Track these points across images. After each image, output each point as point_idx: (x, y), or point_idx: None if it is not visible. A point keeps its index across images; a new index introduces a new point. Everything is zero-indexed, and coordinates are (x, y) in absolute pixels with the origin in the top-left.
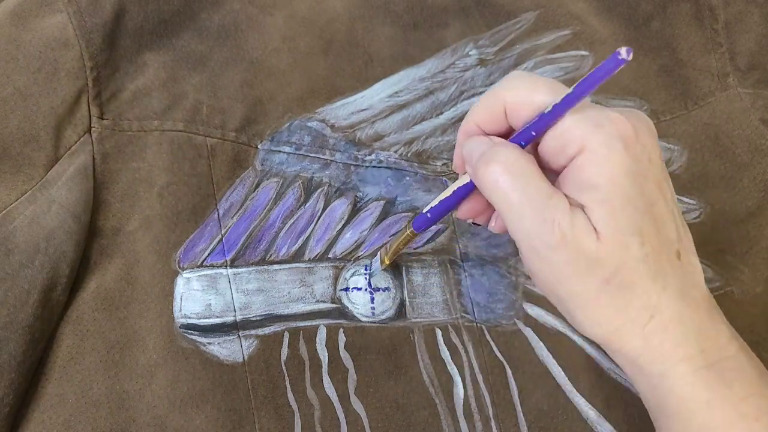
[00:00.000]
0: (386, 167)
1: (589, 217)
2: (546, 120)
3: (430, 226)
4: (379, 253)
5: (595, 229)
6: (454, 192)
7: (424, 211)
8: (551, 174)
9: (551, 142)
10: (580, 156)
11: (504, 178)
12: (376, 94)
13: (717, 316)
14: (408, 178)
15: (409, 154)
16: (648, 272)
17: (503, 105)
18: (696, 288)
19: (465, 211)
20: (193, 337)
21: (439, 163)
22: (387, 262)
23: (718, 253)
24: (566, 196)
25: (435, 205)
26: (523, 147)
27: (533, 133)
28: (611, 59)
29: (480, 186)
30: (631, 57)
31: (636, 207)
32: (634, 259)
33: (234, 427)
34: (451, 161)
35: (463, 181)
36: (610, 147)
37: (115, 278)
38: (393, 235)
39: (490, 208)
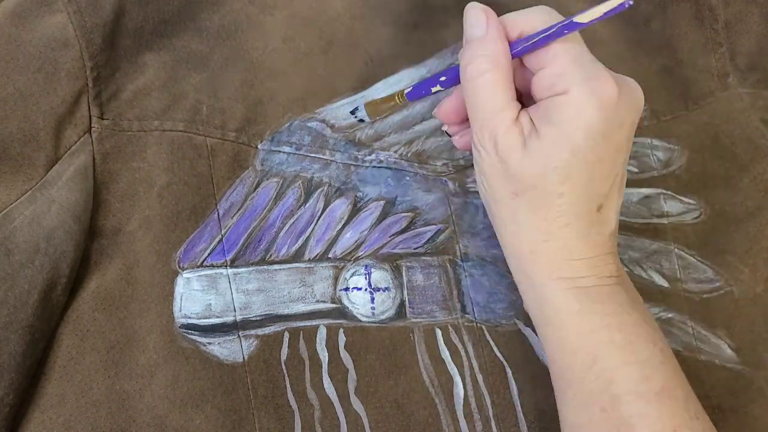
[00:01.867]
0: (386, 167)
1: (537, 140)
2: (541, 40)
3: (416, 99)
4: (363, 105)
5: (525, 149)
6: (446, 70)
7: (414, 83)
8: (527, 98)
9: (544, 76)
10: (561, 96)
11: (482, 69)
12: (377, 94)
13: (611, 258)
14: (408, 178)
15: (409, 154)
16: (558, 208)
17: (509, 29)
18: (600, 235)
19: (445, 108)
20: (193, 337)
21: (439, 163)
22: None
23: (718, 253)
24: (528, 115)
25: (425, 79)
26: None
27: (529, 45)
28: (620, 6)
29: (462, 68)
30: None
31: (577, 155)
32: (549, 191)
33: (234, 427)
34: (451, 161)
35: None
36: (587, 100)
37: (115, 278)
38: (393, 235)
39: (464, 120)
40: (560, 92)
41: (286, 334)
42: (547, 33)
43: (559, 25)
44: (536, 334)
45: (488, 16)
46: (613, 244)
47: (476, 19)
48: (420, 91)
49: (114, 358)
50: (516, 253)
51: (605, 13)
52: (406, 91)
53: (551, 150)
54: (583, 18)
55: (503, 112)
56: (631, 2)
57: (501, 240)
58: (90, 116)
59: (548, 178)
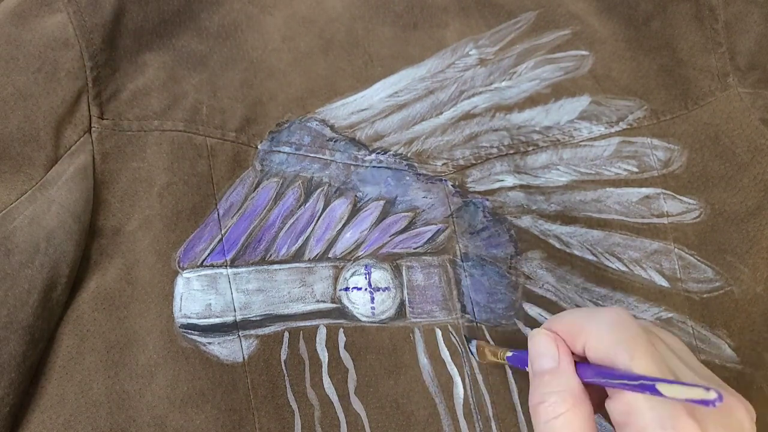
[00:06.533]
0: (386, 167)
1: None
2: (621, 386)
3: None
4: (477, 343)
5: None
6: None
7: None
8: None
9: (616, 410)
10: None
11: (558, 410)
12: (376, 94)
13: None
14: (408, 178)
15: (409, 154)
16: None
17: (584, 342)
18: None
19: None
20: (193, 337)
21: (439, 163)
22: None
23: (718, 253)
24: None
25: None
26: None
27: (602, 381)
28: (703, 402)
29: (533, 407)
30: (718, 404)
31: None
32: None
33: (234, 427)
34: (451, 161)
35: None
36: None
37: (115, 278)
38: (393, 234)
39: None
40: None
41: (286, 334)
42: (624, 383)
43: (639, 383)
44: None
45: (558, 344)
46: None
47: (546, 347)
48: (518, 362)
49: (114, 358)
50: None
51: (688, 400)
52: (506, 355)
53: None
54: (667, 392)
55: None
56: (716, 404)
57: None
58: (90, 116)
59: None
